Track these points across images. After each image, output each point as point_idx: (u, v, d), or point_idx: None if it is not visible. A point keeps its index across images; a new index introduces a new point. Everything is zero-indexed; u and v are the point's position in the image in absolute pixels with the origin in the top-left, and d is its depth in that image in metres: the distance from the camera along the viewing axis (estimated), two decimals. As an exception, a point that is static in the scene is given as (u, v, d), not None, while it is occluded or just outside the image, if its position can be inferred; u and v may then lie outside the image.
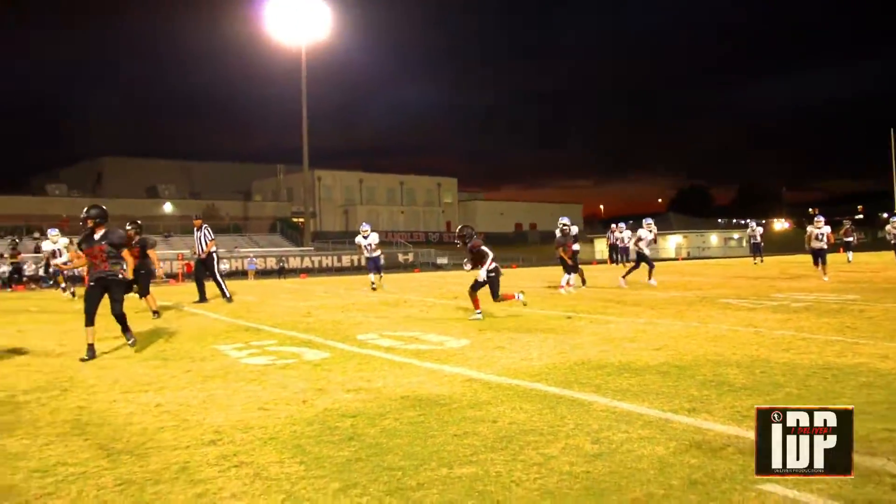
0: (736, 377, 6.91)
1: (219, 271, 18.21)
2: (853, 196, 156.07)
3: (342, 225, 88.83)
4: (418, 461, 4.58)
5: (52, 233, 21.19)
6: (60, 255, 20.58)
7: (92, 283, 9.33)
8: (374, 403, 6.24)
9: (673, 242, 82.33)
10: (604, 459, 4.51)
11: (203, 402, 6.46)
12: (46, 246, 21.52)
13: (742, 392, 6.28)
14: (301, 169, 65.78)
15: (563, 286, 18.00)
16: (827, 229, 21.26)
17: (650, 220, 20.78)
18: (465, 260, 13.25)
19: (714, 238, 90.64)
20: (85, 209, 9.28)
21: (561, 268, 18.72)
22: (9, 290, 31.46)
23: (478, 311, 12.53)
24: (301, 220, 74.30)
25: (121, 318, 9.41)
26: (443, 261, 61.42)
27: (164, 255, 49.69)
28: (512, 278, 24.16)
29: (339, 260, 56.02)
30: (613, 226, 32.99)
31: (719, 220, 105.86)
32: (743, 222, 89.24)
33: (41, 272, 28.78)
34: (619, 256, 31.54)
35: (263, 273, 46.85)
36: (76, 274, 21.25)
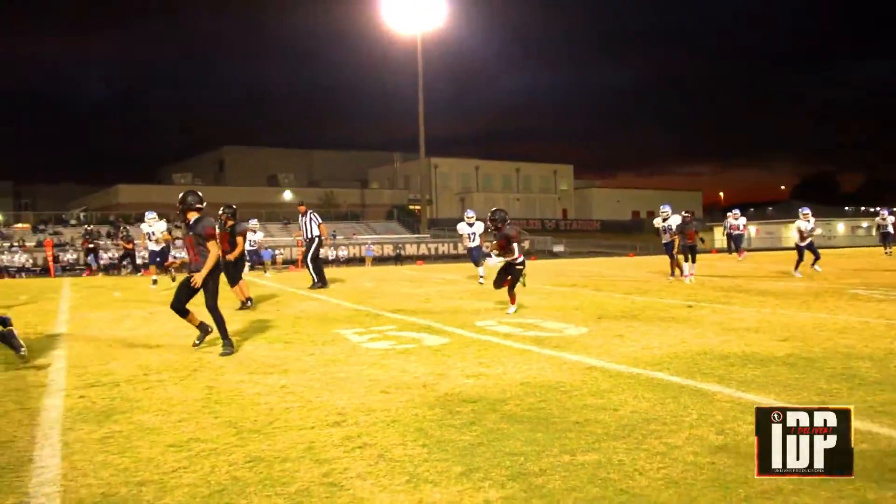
0: (868, 371, 6.67)
1: (316, 257, 18.44)
2: None
3: (458, 212, 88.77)
4: (540, 447, 4.58)
5: (150, 216, 20.17)
6: (153, 239, 19.85)
7: (187, 275, 9.09)
8: (495, 389, 6.26)
9: (796, 231, 79.43)
10: (729, 451, 4.42)
11: (327, 385, 6.60)
12: (143, 229, 20.43)
13: (875, 387, 6.05)
14: (417, 157, 66.26)
15: (685, 275, 17.66)
16: None
17: (807, 210, 19.93)
18: (490, 247, 12.40)
19: (841, 226, 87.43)
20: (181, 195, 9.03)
21: (681, 256, 18.37)
22: (96, 274, 32.59)
23: (513, 305, 11.84)
24: (417, 207, 74.94)
25: (210, 311, 8.74)
26: (559, 248, 61.16)
27: (283, 242, 50.95)
28: (625, 268, 23.91)
29: (456, 247, 56.27)
30: (730, 213, 32.03)
31: (846, 208, 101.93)
32: (872, 210, 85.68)
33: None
34: (733, 245, 30.53)
35: (380, 260, 47.51)
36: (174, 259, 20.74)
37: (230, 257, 12.81)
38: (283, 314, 12.19)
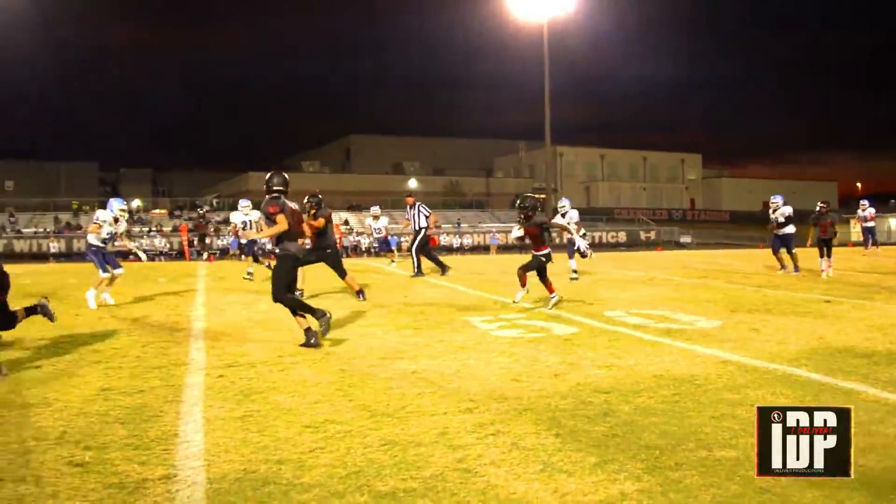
0: None
1: (422, 247, 18.47)
2: None
3: (583, 201, 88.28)
4: (675, 441, 4.50)
5: (243, 203, 18.74)
6: (248, 227, 18.05)
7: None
8: (628, 381, 6.18)
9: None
10: (877, 453, 4.24)
11: (457, 372, 6.64)
12: (235, 217, 19.08)
13: None
14: (542, 145, 65.78)
15: (823, 269, 16.98)
16: None
17: None
18: (517, 228, 11.40)
19: None
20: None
21: (816, 249, 17.66)
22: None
23: (524, 288, 11.23)
24: (542, 196, 74.61)
25: (279, 301, 8.23)
26: (686, 239, 59.88)
27: (408, 231, 51.39)
28: (754, 260, 23.27)
29: (581, 236, 55.75)
30: (861, 204, 30.15)
31: None
32: None
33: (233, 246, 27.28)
34: (867, 237, 28.85)
35: (504, 248, 47.45)
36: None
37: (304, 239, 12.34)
38: (411, 301, 12.31)
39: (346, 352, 7.75)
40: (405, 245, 47.05)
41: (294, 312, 8.19)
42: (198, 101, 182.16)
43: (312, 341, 7.96)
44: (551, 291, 11.23)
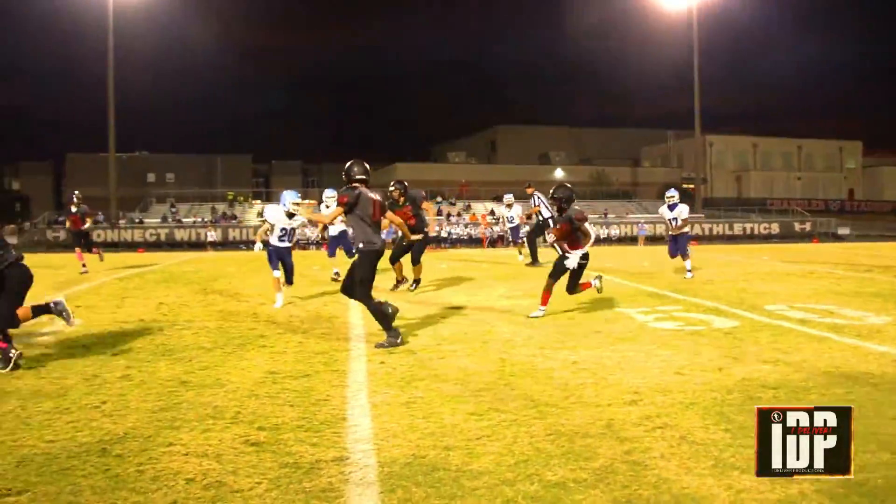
0: None
1: (536, 238, 18.43)
2: None
3: (734, 191, 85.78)
4: (855, 442, 4.31)
5: (329, 193, 15.87)
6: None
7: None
8: (796, 377, 5.96)
9: None
10: None
11: (618, 363, 6.56)
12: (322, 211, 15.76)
13: None
14: (691, 134, 64.29)
15: None
16: None
17: None
18: (549, 232, 10.03)
19: None
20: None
21: None
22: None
23: (543, 306, 9.46)
24: (691, 186, 72.87)
25: (362, 301, 7.91)
26: (844, 231, 57.31)
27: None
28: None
29: (731, 227, 54.19)
30: None
31: None
32: None
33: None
34: None
35: (652, 239, 46.65)
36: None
37: (429, 230, 12.43)
38: (563, 291, 12.25)
39: (504, 341, 7.78)
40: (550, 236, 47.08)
41: (374, 315, 7.66)
42: (345, 93, 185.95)
43: (398, 340, 7.53)
44: (544, 302, 9.50)
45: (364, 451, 4.26)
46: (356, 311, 10.00)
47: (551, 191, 9.87)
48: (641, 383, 5.77)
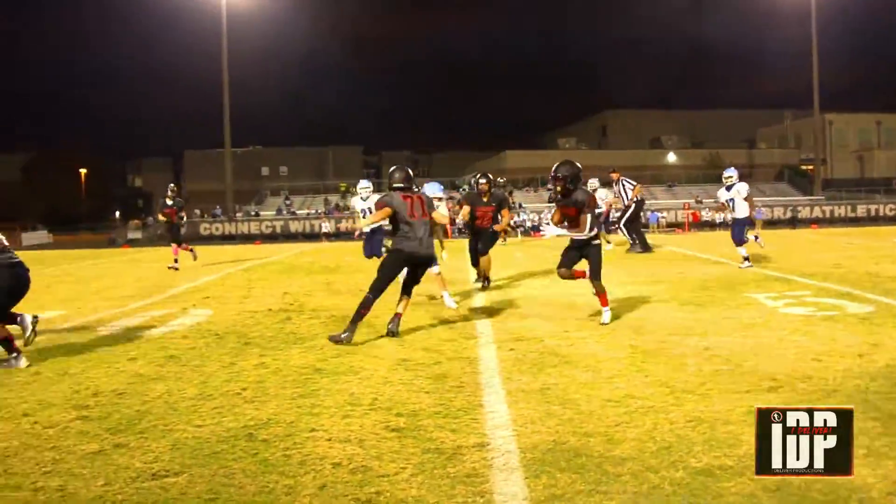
0: None
1: (630, 221, 18.34)
2: None
3: (856, 172, 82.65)
4: None
5: (363, 185, 14.48)
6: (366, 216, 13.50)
7: None
8: (945, 363, 5.75)
9: None
10: None
11: (752, 349, 6.42)
12: (356, 203, 14.37)
13: None
14: (810, 113, 62.27)
15: None
16: None
17: None
18: (550, 216, 8.50)
19: None
20: None
21: None
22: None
23: (605, 307, 8.09)
24: (810, 167, 70.60)
25: (372, 291, 7.60)
26: (979, 212, 54.67)
27: (667, 205, 50.44)
28: None
29: (854, 210, 52.28)
30: None
31: None
32: None
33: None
34: None
35: (770, 223, 45.44)
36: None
37: (497, 228, 11.48)
38: (688, 277, 12.08)
39: (633, 327, 7.74)
40: (664, 221, 46.34)
41: (358, 311, 7.43)
42: (453, 81, 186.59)
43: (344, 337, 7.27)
44: (604, 303, 8.18)
45: (504, 437, 4.29)
46: (479, 299, 10.06)
47: (553, 168, 8.26)
48: (778, 370, 5.64)
